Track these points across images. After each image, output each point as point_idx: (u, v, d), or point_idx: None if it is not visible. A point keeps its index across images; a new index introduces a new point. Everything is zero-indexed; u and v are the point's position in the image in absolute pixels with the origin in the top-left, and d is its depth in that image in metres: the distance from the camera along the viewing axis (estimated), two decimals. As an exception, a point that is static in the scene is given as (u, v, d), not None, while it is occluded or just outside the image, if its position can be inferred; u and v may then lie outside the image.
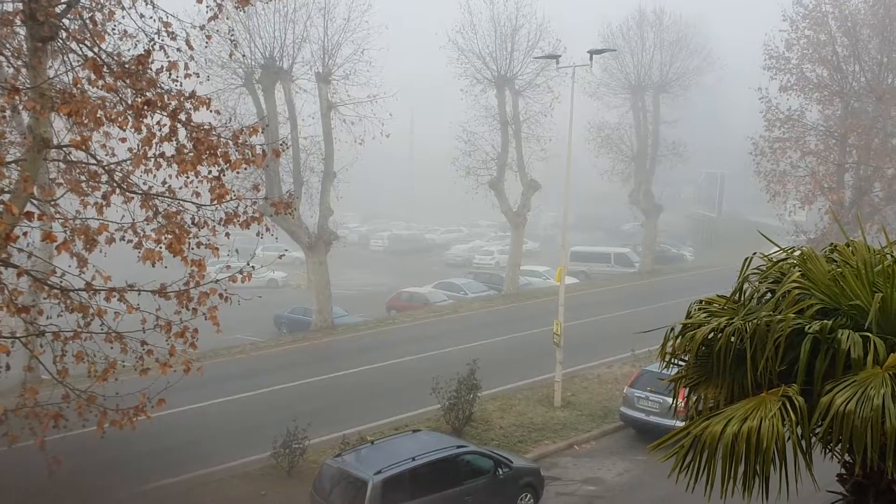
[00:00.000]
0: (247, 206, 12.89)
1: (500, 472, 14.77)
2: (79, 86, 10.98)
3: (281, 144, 14.28)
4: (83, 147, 11.33)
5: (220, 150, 11.79)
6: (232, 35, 18.22)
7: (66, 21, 12.01)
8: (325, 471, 14.14)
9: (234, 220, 12.51)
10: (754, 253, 7.41)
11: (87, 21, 12.25)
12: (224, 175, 12.16)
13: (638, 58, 45.50)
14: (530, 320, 30.91)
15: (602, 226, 73.47)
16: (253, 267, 12.40)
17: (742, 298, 7.24)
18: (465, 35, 37.99)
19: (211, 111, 12.51)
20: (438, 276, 45.04)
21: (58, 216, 12.18)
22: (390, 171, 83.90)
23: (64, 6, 11.76)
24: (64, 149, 11.80)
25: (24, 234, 10.98)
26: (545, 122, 38.76)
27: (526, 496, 15.18)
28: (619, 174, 47.37)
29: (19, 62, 12.37)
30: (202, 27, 13.18)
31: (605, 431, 19.94)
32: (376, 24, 32.09)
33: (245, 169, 12.89)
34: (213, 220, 12.45)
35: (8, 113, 11.69)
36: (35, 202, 11.86)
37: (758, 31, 33.74)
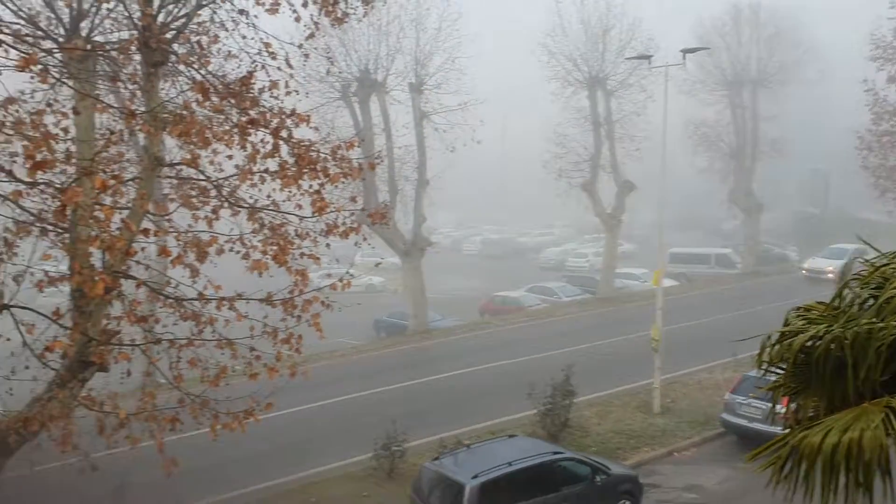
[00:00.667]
0: (345, 217, 13.33)
1: (598, 479, 14.68)
2: (188, 108, 11.66)
3: (376, 157, 14.69)
4: (193, 164, 11.99)
5: (319, 164, 12.25)
6: (328, 52, 18.85)
7: (175, 46, 12.78)
8: (424, 473, 14.43)
9: (334, 230, 12.94)
10: (855, 258, 7.20)
11: (195, 45, 12.99)
12: (324, 188, 12.62)
13: (734, 53, 44.20)
14: (627, 324, 30.47)
15: (701, 225, 71.42)
16: (352, 275, 12.80)
17: (842, 305, 7.03)
18: (555, 38, 37.90)
19: (310, 127, 12.99)
20: (531, 280, 44.90)
21: (171, 230, 12.92)
22: (482, 176, 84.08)
23: (174, 32, 12.50)
24: (176, 167, 12.51)
25: (143, 249, 11.73)
26: (639, 121, 38.13)
27: (625, 503, 15.07)
28: (717, 172, 46.11)
29: (134, 86, 13.22)
30: (300, 46, 13.70)
31: (706, 438, 19.51)
32: (467, 32, 32.44)
33: (343, 182, 13.32)
34: (315, 232, 12.91)
35: (125, 135, 12.49)
36: (150, 218, 12.66)
37: (862, 20, 32.24)
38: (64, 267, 11.28)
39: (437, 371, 26.20)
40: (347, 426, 20.60)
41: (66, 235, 10.97)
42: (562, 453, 15.01)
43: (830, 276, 36.58)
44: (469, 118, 31.59)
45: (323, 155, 12.24)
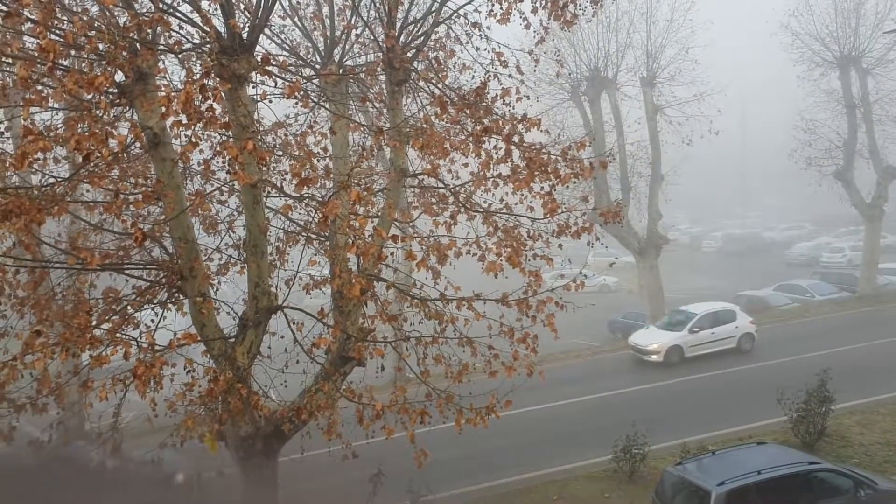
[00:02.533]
0: (577, 217, 13.42)
1: (863, 494, 13.44)
2: (428, 122, 12.41)
3: (608, 155, 14.62)
4: (433, 174, 12.73)
5: (550, 167, 12.46)
6: (557, 54, 19.04)
7: (415, 64, 13.65)
8: (667, 478, 14.10)
9: (566, 231, 13.07)
10: None
11: (433, 61, 13.78)
12: (555, 189, 12.80)
13: None
14: (892, 325, 27.49)
15: None
16: (585, 276, 12.85)
17: None
18: (800, 17, 35.06)
19: (541, 130, 13.25)
20: (779, 278, 41.87)
21: (415, 236, 13.81)
22: (721, 168, 79.92)
23: (414, 51, 13.37)
24: (418, 176, 13.35)
25: (392, 253, 12.65)
26: (901, 100, 34.25)
27: (894, 522, 13.68)
28: None
29: (381, 105, 14.31)
30: (530, 52, 14.03)
31: None
32: (700, 20, 31.14)
33: (574, 182, 13.41)
34: (547, 233, 13.13)
35: (374, 150, 13.55)
36: (397, 224, 13.62)
37: None
38: (326, 271, 12.50)
39: (675, 375, 25.37)
40: (585, 427, 20.62)
41: (327, 243, 12.14)
42: (818, 463, 13.95)
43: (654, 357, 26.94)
44: (705, 109, 30.27)
45: (553, 157, 12.43)
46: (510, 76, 13.08)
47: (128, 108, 10.69)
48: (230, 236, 13.68)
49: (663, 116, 32.20)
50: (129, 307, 10.98)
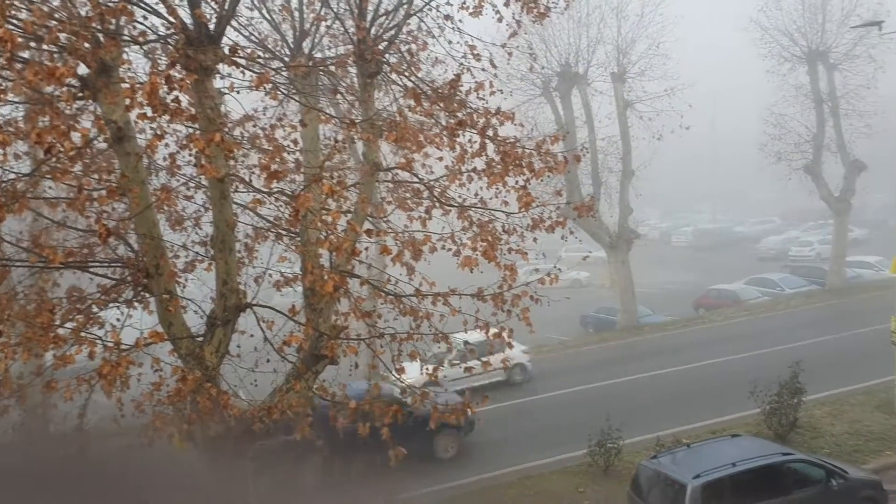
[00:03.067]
0: (551, 211, 13.35)
1: (834, 483, 13.57)
2: (402, 115, 12.24)
3: (581, 149, 14.57)
4: (407, 168, 12.58)
5: (524, 160, 12.36)
6: (530, 48, 18.95)
7: (387, 56, 13.46)
8: (642, 472, 14.10)
9: (540, 225, 12.99)
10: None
11: (405, 54, 13.60)
12: (529, 184, 12.72)
13: None
14: (861, 318, 27.86)
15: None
16: (560, 269, 12.78)
17: None
18: (768, 12, 35.41)
19: (515, 124, 13.15)
20: (749, 272, 42.30)
21: (389, 231, 13.63)
22: (690, 163, 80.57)
23: (386, 44, 13.17)
24: (391, 171, 13.17)
25: (366, 248, 12.46)
26: (868, 95, 34.67)
27: (866, 511, 13.81)
28: (968, 146, 40.83)
29: (352, 98, 14.09)
30: (503, 45, 13.90)
31: (965, 443, 17.41)
32: (671, 15, 31.29)
33: (548, 176, 13.34)
34: (521, 227, 13.05)
35: (347, 143, 13.33)
36: (370, 220, 13.43)
37: None
38: (297, 268, 12.27)
39: (649, 368, 25.49)
40: (559, 421, 20.59)
41: (298, 239, 11.91)
42: (792, 454, 14.07)
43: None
44: (676, 104, 30.41)
45: (527, 151, 12.33)
46: (483, 70, 12.95)
47: (91, 101, 10.37)
48: (197, 233, 13.40)
49: (634, 112, 32.34)
50: (93, 306, 10.66)
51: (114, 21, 9.86)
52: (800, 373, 17.80)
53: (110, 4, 9.03)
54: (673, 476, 13.20)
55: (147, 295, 10.99)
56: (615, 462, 16.99)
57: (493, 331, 12.22)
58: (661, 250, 62.25)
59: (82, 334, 9.72)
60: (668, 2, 31.46)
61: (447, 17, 12.92)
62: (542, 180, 14.03)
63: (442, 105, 12.24)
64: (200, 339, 10.93)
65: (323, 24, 14.24)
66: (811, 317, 30.53)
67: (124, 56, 10.09)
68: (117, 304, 11.14)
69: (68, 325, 9.99)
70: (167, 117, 8.65)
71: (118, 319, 10.89)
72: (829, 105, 35.64)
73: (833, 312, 31.13)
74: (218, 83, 10.84)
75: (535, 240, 13.07)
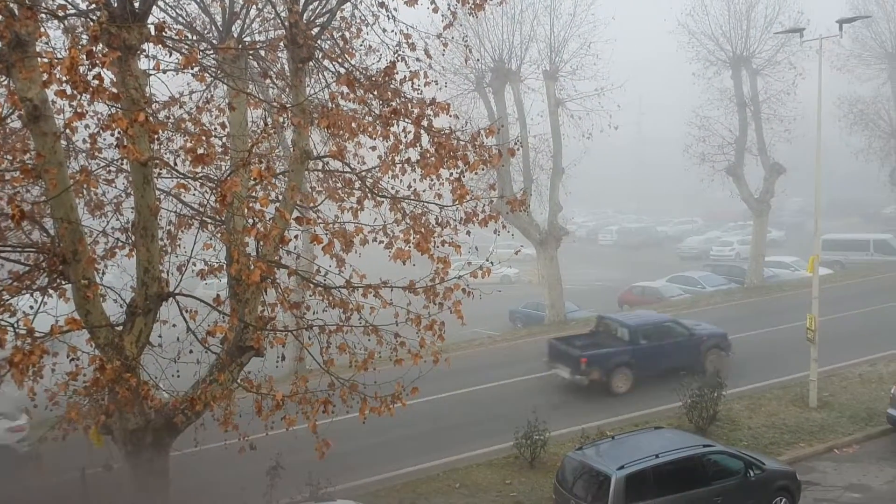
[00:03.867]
0: (484, 205, 13.33)
1: (752, 474, 14.00)
2: (335, 100, 12.00)
3: (515, 144, 14.60)
4: (339, 157, 12.36)
5: (459, 153, 12.30)
6: (466, 41, 18.89)
7: (319, 42, 13.19)
8: (567, 463, 14.26)
9: (473, 218, 12.97)
10: None
11: (338, 40, 13.37)
12: (464, 176, 12.67)
13: (896, 22, 40.78)
14: (778, 315, 28.89)
15: (858, 211, 66.72)
16: (492, 263, 12.80)
17: None
18: (696, 17, 36.31)
19: (450, 115, 13.06)
20: (672, 270, 43.39)
21: (319, 221, 13.38)
22: (618, 163, 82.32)
23: (318, 29, 12.91)
24: (322, 159, 12.91)
25: (296, 237, 12.18)
26: (788, 100, 35.94)
27: (781, 501, 14.25)
28: (876, 152, 42.74)
29: (283, 83, 13.76)
30: (439, 35, 13.80)
31: (870, 435, 18.20)
32: (602, 16, 31.73)
33: (482, 170, 13.31)
34: (455, 220, 12.99)
35: (276, 129, 13.02)
36: (299, 209, 13.15)
37: None
38: (222, 257, 11.93)
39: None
40: (487, 414, 20.68)
41: (224, 226, 11.57)
42: (712, 446, 14.45)
43: None
44: (605, 104, 30.87)
45: (462, 143, 12.28)
46: (418, 60, 12.83)
47: (4, 76, 9.83)
48: (118, 218, 12.90)
49: (565, 110, 32.66)
50: (4, 292, 10.11)
51: (30, -8, 9.35)
52: (720, 367, 18.30)
53: (27, -26, 8.56)
54: (598, 467, 13.39)
55: (63, 282, 10.50)
56: (541, 454, 17.14)
57: (424, 323, 12.14)
58: (588, 248, 63.40)
59: (-9, 322, 9.21)
60: (599, 2, 31.88)
61: (381, 5, 12.72)
62: (476, 173, 13.99)
63: (376, 93, 12.07)
64: (120, 328, 10.51)
65: (254, 6, 13.87)
66: (730, 314, 31.46)
67: (41, 29, 9.58)
68: (30, 292, 10.60)
69: (-24, 312, 9.44)
70: (87, 96, 8.23)
71: (31, 307, 10.36)
72: (751, 109, 36.78)
73: (751, 310, 32.18)
74: (143, 64, 10.44)
75: (468, 233, 13.03)
